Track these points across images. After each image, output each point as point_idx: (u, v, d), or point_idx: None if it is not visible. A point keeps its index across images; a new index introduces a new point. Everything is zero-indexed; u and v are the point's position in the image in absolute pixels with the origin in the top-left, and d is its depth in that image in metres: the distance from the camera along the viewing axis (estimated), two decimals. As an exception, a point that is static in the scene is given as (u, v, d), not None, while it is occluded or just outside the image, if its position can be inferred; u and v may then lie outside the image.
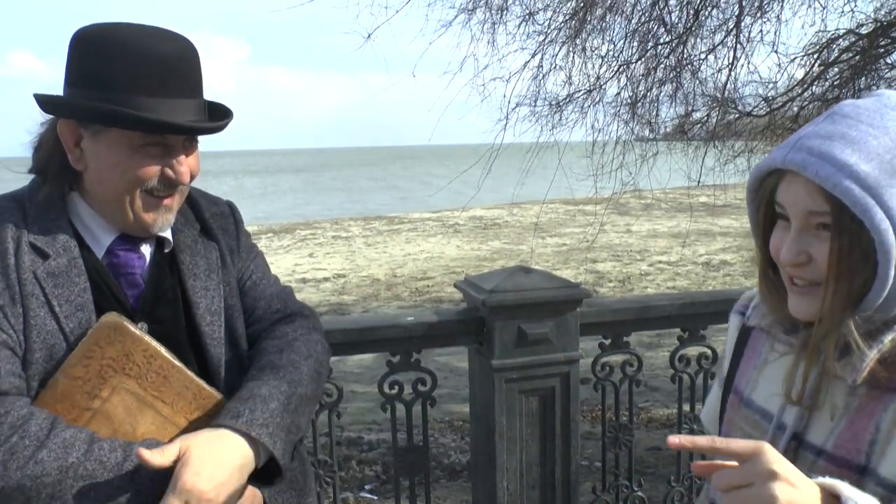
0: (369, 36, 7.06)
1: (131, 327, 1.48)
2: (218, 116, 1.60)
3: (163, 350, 1.51)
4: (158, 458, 1.36)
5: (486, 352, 2.78)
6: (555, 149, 7.42)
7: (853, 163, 1.07)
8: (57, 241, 1.49)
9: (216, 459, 1.41)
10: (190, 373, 1.54)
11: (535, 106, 7.37)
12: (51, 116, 1.53)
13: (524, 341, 2.72)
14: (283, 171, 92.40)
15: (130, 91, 1.44)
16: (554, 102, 7.27)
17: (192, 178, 1.59)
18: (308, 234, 23.11)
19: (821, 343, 1.15)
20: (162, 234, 1.63)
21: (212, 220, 1.77)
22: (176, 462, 1.39)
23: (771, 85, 7.05)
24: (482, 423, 2.89)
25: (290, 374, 1.60)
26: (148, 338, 1.50)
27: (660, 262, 15.06)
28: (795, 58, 6.99)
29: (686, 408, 3.15)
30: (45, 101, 1.49)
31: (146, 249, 1.63)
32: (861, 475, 1.10)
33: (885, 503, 1.06)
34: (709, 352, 3.09)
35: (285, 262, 17.07)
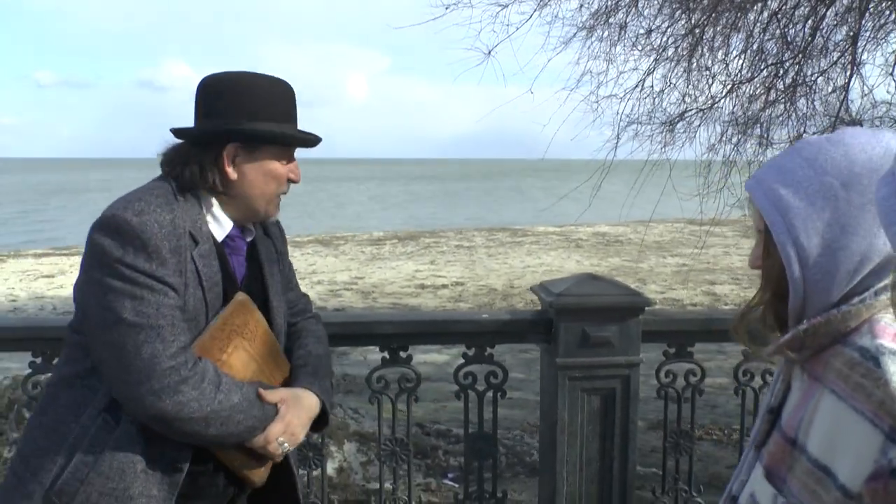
0: (490, 52, 7.30)
1: (252, 304, 2.02)
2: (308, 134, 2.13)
3: (265, 322, 2.06)
4: (271, 396, 1.97)
5: (553, 350, 2.98)
6: (668, 166, 7.47)
7: (776, 188, 1.34)
8: (202, 231, 1.94)
9: (304, 408, 2.05)
10: (276, 340, 2.11)
11: (648, 123, 7.45)
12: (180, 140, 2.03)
13: (587, 343, 2.91)
14: (415, 179, 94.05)
15: (270, 119, 1.99)
16: (666, 121, 7.33)
17: None
18: (432, 242, 23.61)
19: (741, 321, 1.47)
20: (251, 227, 2.16)
21: (268, 224, 2.25)
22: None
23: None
24: (548, 416, 3.09)
25: (326, 363, 2.28)
26: (258, 312, 2.04)
27: (782, 287, 14.65)
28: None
29: (749, 421, 3.24)
30: (218, 132, 1.96)
31: (248, 236, 2.13)
32: (793, 447, 1.32)
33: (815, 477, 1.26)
34: (774, 367, 3.17)
35: (406, 268, 17.57)
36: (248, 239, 2.13)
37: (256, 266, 2.15)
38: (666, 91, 7.38)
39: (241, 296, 2.00)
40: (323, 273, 16.93)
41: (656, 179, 7.35)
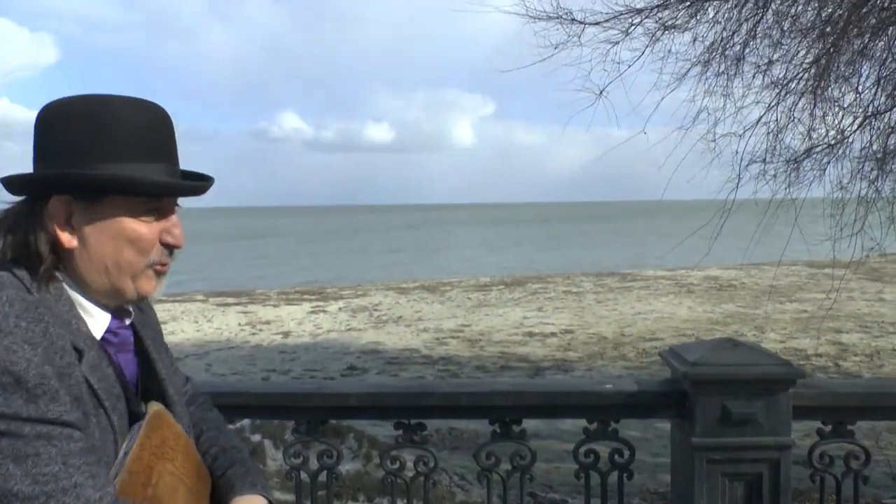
0: (601, 93, 7.00)
1: (167, 414, 1.55)
2: (197, 178, 1.58)
3: (181, 431, 1.59)
4: None
5: (688, 428, 2.60)
6: (793, 206, 6.94)
7: None
8: (81, 333, 1.42)
9: None
10: (195, 449, 1.66)
11: (771, 162, 6.95)
12: (13, 200, 1.48)
13: (729, 420, 2.51)
14: (521, 223, 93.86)
15: (117, 158, 1.42)
16: (791, 158, 6.82)
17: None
18: (539, 287, 23.21)
19: None
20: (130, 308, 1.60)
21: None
22: None
23: None
24: (682, 502, 2.70)
25: (245, 454, 1.78)
26: (174, 423, 1.57)
27: (919, 335, 13.59)
28: None
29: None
30: (30, 180, 1.44)
31: (126, 319, 1.58)
32: None
33: None
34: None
35: (514, 315, 17.22)
36: (128, 322, 1.58)
37: (144, 358, 1.61)
38: (790, 126, 6.88)
39: (153, 407, 1.52)
40: (429, 320, 16.72)
41: (783, 220, 6.85)
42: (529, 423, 2.81)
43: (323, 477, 2.85)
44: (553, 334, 14.70)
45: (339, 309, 19.23)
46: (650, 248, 40.69)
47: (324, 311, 18.81)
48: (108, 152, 1.41)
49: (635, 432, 6.93)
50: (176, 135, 1.54)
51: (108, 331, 1.49)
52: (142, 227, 1.45)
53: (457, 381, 2.36)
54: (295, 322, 17.00)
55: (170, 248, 1.50)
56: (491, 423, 2.78)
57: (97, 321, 1.48)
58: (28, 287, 1.38)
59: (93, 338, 1.44)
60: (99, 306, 1.49)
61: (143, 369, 1.60)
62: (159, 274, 1.51)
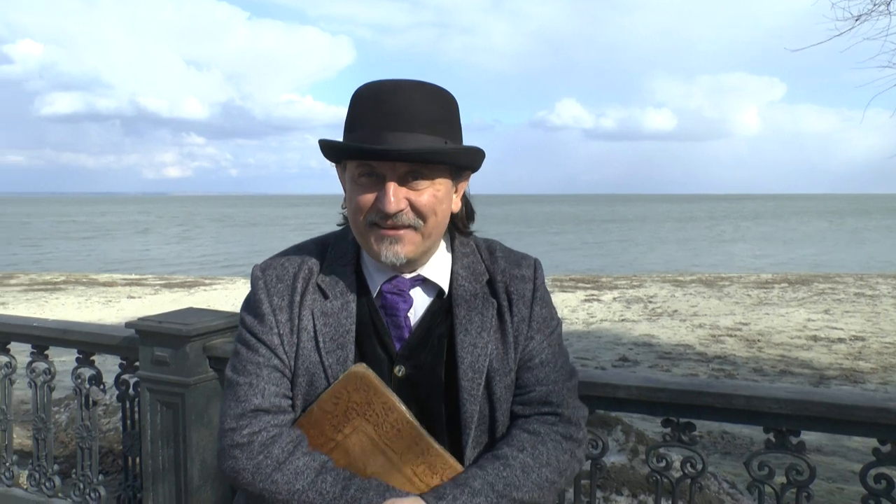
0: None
1: (376, 381, 1.64)
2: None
3: (401, 406, 1.65)
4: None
5: None
6: None
7: None
8: (338, 285, 1.73)
9: None
10: (422, 430, 1.65)
11: None
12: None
13: None
14: (807, 216, 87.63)
15: (356, 128, 1.60)
16: None
17: (421, 213, 1.63)
18: (827, 287, 21.52)
19: None
20: (436, 280, 1.76)
21: (504, 279, 1.79)
22: None
23: None
24: None
25: (513, 477, 1.63)
26: (389, 392, 1.65)
27: None
28: None
29: None
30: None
31: (417, 293, 1.76)
32: None
33: None
34: None
35: (797, 317, 16.10)
36: (426, 296, 1.76)
37: (443, 332, 1.74)
38: None
39: (358, 367, 1.65)
40: (705, 316, 16.08)
41: None
42: (812, 436, 2.61)
43: (587, 466, 2.83)
44: (841, 340, 13.54)
45: (614, 299, 19.02)
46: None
47: (598, 300, 18.70)
48: (355, 123, 1.61)
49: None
50: (443, 112, 1.65)
51: (380, 292, 1.74)
52: (355, 188, 1.64)
53: (731, 381, 2.24)
54: (568, 309, 17.03)
55: (382, 213, 1.62)
56: (765, 432, 2.62)
57: (373, 280, 1.75)
58: (333, 242, 1.80)
59: (351, 290, 1.73)
60: (380, 270, 1.74)
61: (435, 342, 1.73)
62: (386, 238, 1.64)
